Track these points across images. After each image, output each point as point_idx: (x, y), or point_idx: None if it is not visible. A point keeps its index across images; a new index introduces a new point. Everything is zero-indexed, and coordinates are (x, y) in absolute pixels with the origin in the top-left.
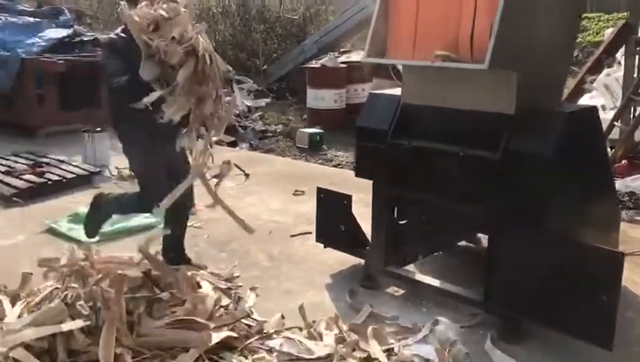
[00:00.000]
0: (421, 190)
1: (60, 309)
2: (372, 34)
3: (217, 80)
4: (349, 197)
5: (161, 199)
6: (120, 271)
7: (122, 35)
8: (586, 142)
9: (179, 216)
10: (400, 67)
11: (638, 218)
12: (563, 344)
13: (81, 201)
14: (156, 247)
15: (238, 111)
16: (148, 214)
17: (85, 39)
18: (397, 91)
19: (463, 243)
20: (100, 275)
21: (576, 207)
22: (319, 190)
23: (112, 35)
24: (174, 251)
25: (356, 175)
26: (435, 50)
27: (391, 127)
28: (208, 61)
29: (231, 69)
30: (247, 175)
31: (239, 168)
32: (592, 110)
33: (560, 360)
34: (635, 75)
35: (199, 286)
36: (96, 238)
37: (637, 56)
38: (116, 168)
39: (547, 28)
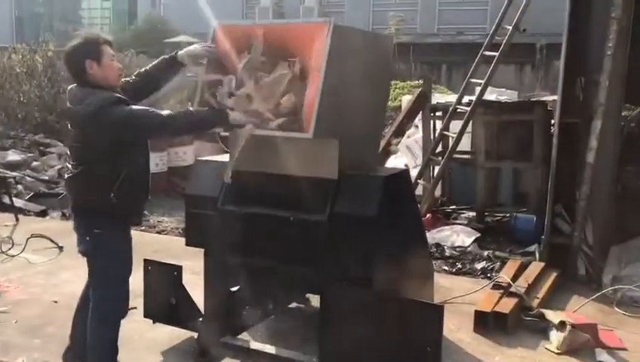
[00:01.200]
0: (254, 255)
1: None
2: (198, 103)
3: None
4: (179, 268)
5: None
6: None
7: (94, 89)
8: (401, 201)
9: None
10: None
11: (445, 267)
12: None
13: None
14: None
15: None
16: None
17: None
18: (224, 157)
19: (293, 304)
20: None
21: (398, 262)
22: (146, 262)
23: (90, 102)
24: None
25: (187, 244)
26: None
27: (220, 193)
28: None
29: None
30: (60, 248)
31: (51, 241)
32: (405, 172)
33: None
34: (432, 138)
35: None
36: None
37: (432, 121)
38: None
39: (363, 98)
